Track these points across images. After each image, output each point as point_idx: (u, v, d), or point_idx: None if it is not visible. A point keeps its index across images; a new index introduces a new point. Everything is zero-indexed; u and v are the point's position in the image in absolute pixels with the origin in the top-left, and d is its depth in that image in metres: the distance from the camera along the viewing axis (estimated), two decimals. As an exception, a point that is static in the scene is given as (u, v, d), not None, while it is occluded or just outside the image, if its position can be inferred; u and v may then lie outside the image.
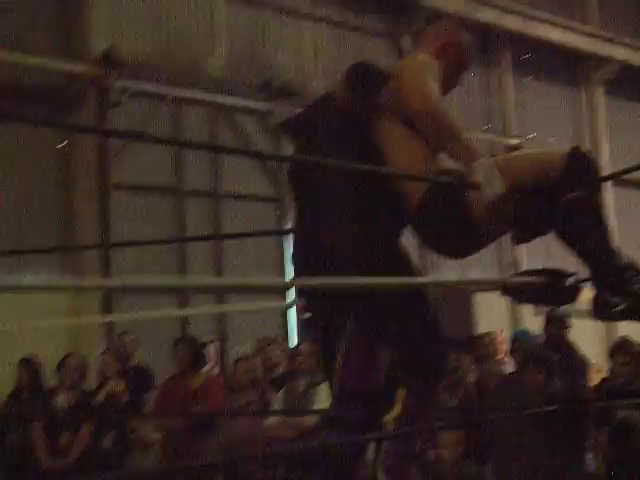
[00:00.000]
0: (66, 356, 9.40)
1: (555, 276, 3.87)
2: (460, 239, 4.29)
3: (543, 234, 4.12)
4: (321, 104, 4.58)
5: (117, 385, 9.12)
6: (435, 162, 4.27)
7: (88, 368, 9.46)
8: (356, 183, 4.21)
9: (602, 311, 3.88)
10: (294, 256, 4.64)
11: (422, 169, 4.21)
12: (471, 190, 3.91)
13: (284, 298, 13.88)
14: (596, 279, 3.91)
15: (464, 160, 4.03)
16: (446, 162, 4.23)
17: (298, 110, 4.55)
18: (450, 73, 4.56)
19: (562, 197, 3.82)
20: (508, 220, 4.05)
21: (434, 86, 4.31)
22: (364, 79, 4.38)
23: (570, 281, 3.87)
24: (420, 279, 3.78)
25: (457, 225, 4.17)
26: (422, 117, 4.14)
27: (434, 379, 4.42)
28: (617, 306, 3.85)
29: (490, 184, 3.76)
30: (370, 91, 4.29)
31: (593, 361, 10.17)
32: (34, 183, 12.75)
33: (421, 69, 4.28)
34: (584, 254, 3.97)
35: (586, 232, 3.95)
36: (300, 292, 4.87)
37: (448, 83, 4.52)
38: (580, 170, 3.89)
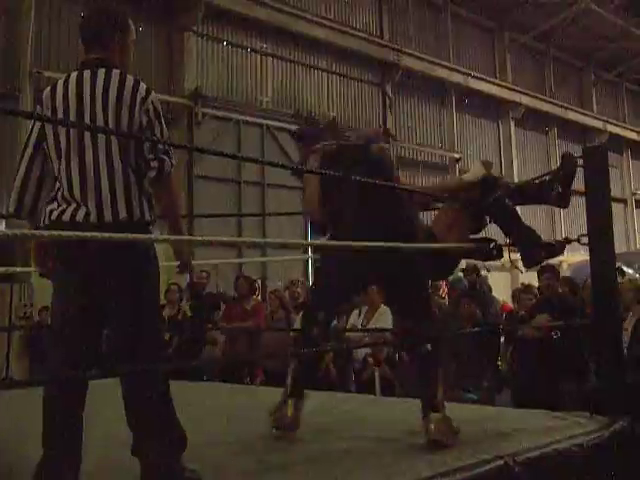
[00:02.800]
0: (170, 284, 9.42)
1: (490, 241, 3.99)
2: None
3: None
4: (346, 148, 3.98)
5: (185, 308, 9.11)
6: None
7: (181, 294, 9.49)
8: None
9: (528, 261, 4.00)
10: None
11: None
12: None
13: (306, 253, 14.06)
14: (520, 243, 4.03)
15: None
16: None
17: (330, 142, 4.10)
18: None
19: (485, 201, 3.93)
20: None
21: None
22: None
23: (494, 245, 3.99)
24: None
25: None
26: None
27: None
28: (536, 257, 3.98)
29: None
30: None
31: (501, 299, 10.18)
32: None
33: None
34: (510, 229, 4.10)
35: (507, 217, 4.08)
36: None
37: None
38: (490, 186, 4.00)
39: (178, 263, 3.04)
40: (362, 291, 4.27)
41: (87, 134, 2.75)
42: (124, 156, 2.75)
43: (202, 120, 13.88)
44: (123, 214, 2.71)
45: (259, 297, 10.21)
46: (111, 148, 2.74)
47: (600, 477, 3.43)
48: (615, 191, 22.02)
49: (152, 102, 2.83)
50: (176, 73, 13.95)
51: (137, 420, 2.73)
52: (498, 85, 20.77)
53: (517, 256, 4.04)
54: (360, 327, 8.03)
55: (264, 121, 15.05)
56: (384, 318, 8.14)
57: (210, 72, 14.46)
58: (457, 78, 19.46)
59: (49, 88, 2.96)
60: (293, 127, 15.45)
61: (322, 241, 3.89)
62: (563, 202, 4.03)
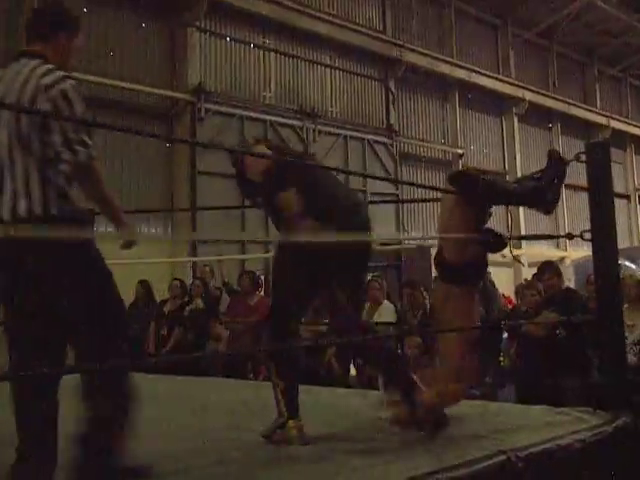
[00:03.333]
0: (173, 280, 9.43)
1: (494, 234, 3.97)
2: None
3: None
4: None
5: (198, 302, 9.11)
6: None
7: (187, 289, 9.50)
8: None
9: (545, 209, 3.95)
10: None
11: None
12: None
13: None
14: (527, 202, 4.01)
15: None
16: None
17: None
18: None
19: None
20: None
21: None
22: None
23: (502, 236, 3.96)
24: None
25: None
26: None
27: None
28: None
29: None
30: None
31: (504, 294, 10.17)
32: (150, 169, 12.88)
33: None
34: (509, 201, 4.13)
35: (502, 196, 4.04)
36: None
37: None
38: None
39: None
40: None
41: None
42: (26, 148, 2.66)
43: (205, 116, 13.87)
44: (22, 209, 2.65)
45: (262, 293, 10.21)
46: (12, 140, 2.68)
47: (603, 473, 3.43)
48: (618, 187, 22.02)
49: (61, 90, 2.69)
50: (179, 69, 13.94)
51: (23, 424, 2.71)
52: (501, 81, 20.70)
53: (519, 251, 4.04)
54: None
55: (267, 117, 15.04)
56: (386, 313, 8.18)
57: (213, 68, 14.46)
58: (460, 74, 19.40)
59: None
60: (296, 123, 15.54)
61: (327, 235, 3.73)
62: (550, 210, 4.00)
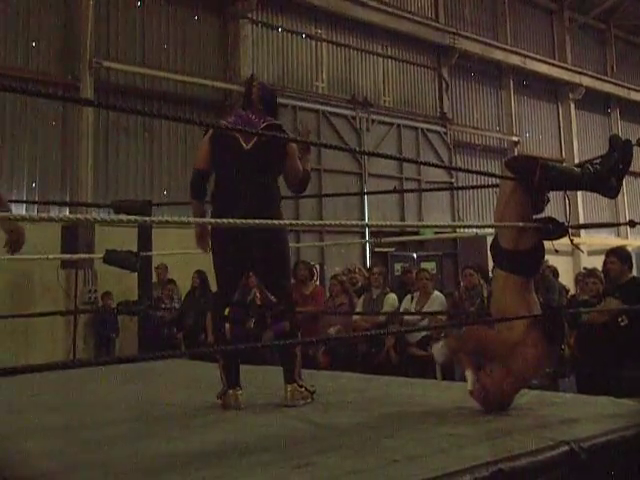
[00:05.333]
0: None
1: (554, 222, 3.91)
2: None
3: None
4: None
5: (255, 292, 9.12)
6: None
7: None
8: None
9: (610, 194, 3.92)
10: None
11: None
12: None
13: (363, 237, 14.03)
14: (592, 187, 3.91)
15: None
16: None
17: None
18: None
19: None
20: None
21: None
22: None
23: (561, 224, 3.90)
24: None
25: None
26: None
27: None
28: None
29: None
30: None
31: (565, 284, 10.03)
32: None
33: None
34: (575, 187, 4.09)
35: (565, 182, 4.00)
36: None
37: None
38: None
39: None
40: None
41: None
42: None
43: (259, 107, 13.93)
44: None
45: (317, 282, 10.23)
46: None
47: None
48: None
49: None
50: (232, 60, 14.01)
51: None
52: (557, 66, 20.35)
53: (579, 239, 3.96)
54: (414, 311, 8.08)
55: (320, 107, 15.05)
56: (437, 303, 8.16)
57: (265, 59, 14.52)
58: (515, 60, 19.13)
59: None
60: (349, 112, 15.55)
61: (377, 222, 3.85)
62: (614, 194, 3.93)
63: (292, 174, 4.46)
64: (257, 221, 3.74)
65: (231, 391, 4.28)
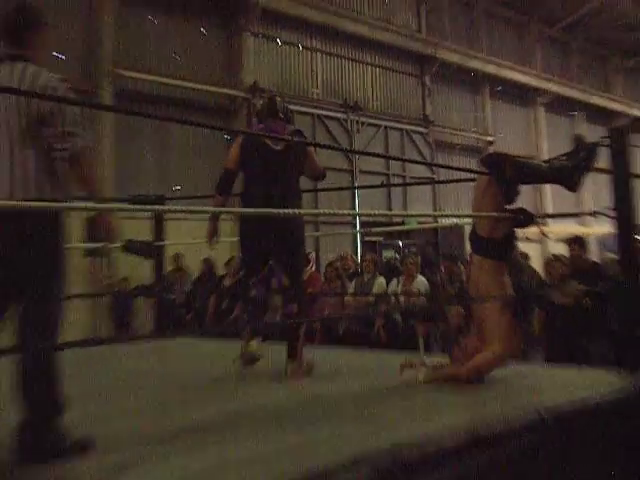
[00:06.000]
0: (230, 258, 9.46)
1: (525, 212, 3.90)
2: None
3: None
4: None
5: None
6: None
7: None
8: None
9: (571, 188, 3.89)
10: None
11: None
12: None
13: (355, 228, 14.02)
14: (557, 180, 3.89)
15: None
16: None
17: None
18: None
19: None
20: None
21: None
22: None
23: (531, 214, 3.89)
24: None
25: None
26: None
27: None
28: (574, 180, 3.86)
29: None
30: None
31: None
32: (211, 158, 12.88)
33: None
34: (542, 180, 4.08)
35: (533, 176, 4.00)
36: None
37: None
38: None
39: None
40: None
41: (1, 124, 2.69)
42: (26, 141, 2.65)
43: (259, 111, 13.91)
44: (19, 193, 2.62)
45: (313, 268, 10.20)
46: (13, 135, 2.66)
47: (626, 429, 3.36)
48: (637, 168, 21.41)
49: (53, 88, 2.68)
50: (236, 69, 13.95)
51: (24, 383, 2.60)
52: (528, 74, 20.36)
53: (546, 228, 3.95)
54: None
55: (315, 110, 15.01)
56: (420, 286, 8.16)
57: (266, 67, 14.46)
58: (490, 68, 19.13)
59: None
60: (341, 115, 15.50)
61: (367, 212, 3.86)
62: (577, 188, 3.92)
63: (313, 171, 4.69)
64: (262, 210, 3.92)
65: (254, 341, 4.50)
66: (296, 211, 4.23)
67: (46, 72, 2.74)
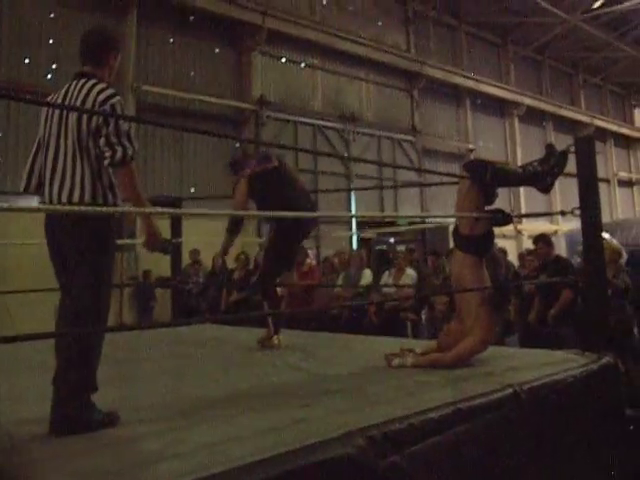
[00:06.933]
0: (239, 254, 9.44)
1: (502, 212, 3.91)
2: None
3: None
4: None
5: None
6: None
7: (249, 261, 9.52)
8: None
9: (544, 191, 3.91)
10: None
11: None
12: None
13: (351, 227, 14.03)
14: (530, 183, 3.93)
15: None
16: None
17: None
18: None
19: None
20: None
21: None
22: None
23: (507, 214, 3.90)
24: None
25: None
26: None
27: None
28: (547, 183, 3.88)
29: None
30: None
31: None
32: (223, 163, 12.86)
33: None
34: (517, 183, 4.19)
35: (509, 180, 4.02)
36: None
37: None
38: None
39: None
40: None
41: (59, 131, 2.71)
42: (81, 149, 2.66)
43: (266, 121, 13.86)
44: (76, 197, 2.63)
45: (313, 262, 10.19)
46: (68, 142, 2.68)
47: (590, 402, 3.38)
48: (600, 173, 21.42)
49: (110, 104, 2.68)
50: (245, 84, 13.92)
51: (60, 355, 2.60)
52: (504, 89, 20.30)
53: (521, 226, 3.96)
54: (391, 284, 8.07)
55: (315, 121, 14.98)
56: (409, 278, 8.16)
57: (272, 83, 14.40)
58: (470, 84, 19.08)
59: (53, 93, 2.87)
60: (338, 126, 15.44)
61: (362, 213, 3.89)
62: (548, 190, 3.93)
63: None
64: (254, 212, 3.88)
65: (276, 336, 4.92)
66: (292, 214, 4.33)
67: (110, 89, 2.73)
